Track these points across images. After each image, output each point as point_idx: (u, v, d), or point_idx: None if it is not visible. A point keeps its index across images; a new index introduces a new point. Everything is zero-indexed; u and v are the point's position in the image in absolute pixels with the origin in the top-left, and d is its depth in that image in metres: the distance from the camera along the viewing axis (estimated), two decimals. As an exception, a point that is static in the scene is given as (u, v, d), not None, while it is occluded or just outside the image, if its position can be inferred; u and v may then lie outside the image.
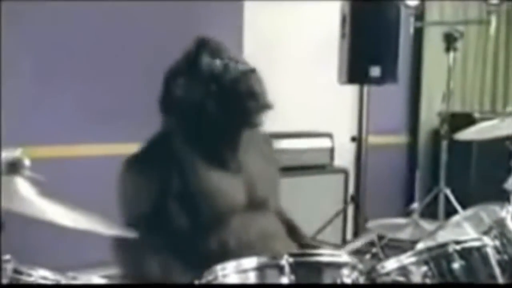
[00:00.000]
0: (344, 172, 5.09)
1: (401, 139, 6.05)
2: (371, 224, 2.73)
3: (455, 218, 2.27)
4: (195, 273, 1.55)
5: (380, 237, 4.18)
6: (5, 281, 1.54)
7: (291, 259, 1.43)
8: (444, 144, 5.11)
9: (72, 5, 4.19)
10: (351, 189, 4.99)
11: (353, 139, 4.86)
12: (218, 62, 2.18)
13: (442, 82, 5.32)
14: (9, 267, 1.37)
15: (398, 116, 6.03)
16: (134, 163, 2.05)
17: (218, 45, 2.25)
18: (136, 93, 4.03)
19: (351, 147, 5.00)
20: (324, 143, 5.15)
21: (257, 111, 2.15)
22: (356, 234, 4.76)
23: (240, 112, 2.12)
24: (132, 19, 4.48)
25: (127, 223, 1.90)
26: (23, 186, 1.41)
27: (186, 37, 4.28)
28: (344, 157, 5.15)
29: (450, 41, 5.09)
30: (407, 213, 2.58)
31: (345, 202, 4.93)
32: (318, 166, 5.12)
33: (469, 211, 2.28)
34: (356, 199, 4.76)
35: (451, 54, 5.12)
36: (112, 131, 4.02)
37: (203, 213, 1.98)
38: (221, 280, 1.44)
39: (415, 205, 2.51)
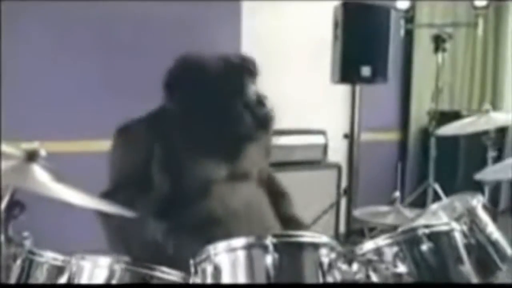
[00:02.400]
0: (337, 167, 5.25)
1: (393, 136, 6.21)
2: (358, 211, 2.93)
3: (432, 207, 2.48)
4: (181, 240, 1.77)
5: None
6: (19, 260, 1.73)
7: (274, 240, 1.61)
8: (433, 141, 5.31)
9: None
10: (344, 184, 5.13)
11: (346, 136, 4.99)
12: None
13: (431, 82, 5.50)
14: (27, 243, 1.56)
15: (390, 114, 6.19)
16: (124, 131, 2.28)
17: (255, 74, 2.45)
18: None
19: (344, 143, 5.11)
20: (318, 139, 5.32)
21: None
22: (348, 225, 4.95)
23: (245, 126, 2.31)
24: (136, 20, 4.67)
25: (114, 185, 2.13)
26: (39, 172, 1.63)
27: (187, 38, 4.52)
28: (337, 153, 5.30)
29: (438, 42, 5.29)
30: (390, 202, 2.77)
31: (338, 195, 5.09)
32: (312, 162, 5.29)
33: (446, 201, 2.49)
34: (348, 193, 4.92)
35: (440, 54, 5.31)
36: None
37: (186, 181, 2.20)
38: (213, 259, 1.65)
39: (397, 194, 2.70)
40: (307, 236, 1.69)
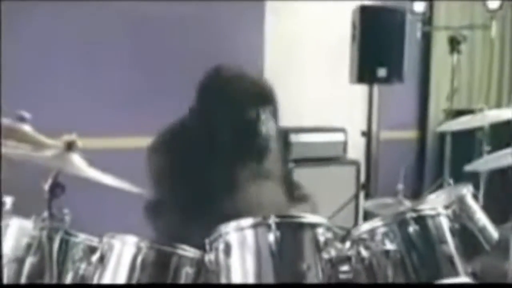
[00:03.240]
0: (356, 164, 5.45)
1: (411, 134, 6.40)
2: (367, 203, 3.17)
3: (430, 196, 2.72)
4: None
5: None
6: (59, 234, 1.98)
7: (277, 219, 1.86)
8: (449, 138, 5.50)
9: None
10: (362, 180, 5.33)
11: (363, 134, 5.20)
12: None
13: (449, 82, 5.69)
14: (67, 219, 1.82)
15: (409, 113, 6.38)
16: (164, 140, 2.55)
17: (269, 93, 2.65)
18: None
19: (363, 141, 5.32)
20: (338, 137, 5.52)
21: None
22: (365, 218, 5.16)
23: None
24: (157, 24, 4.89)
25: (155, 191, 2.40)
26: (77, 159, 1.89)
27: (210, 42, 4.75)
28: (356, 150, 5.52)
29: (454, 44, 5.46)
30: (393, 194, 2.99)
31: (357, 190, 5.29)
32: (332, 158, 5.49)
33: (443, 191, 2.72)
34: (366, 187, 5.14)
35: (455, 56, 5.50)
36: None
37: (215, 183, 2.44)
38: (224, 237, 1.90)
39: (400, 186, 2.92)
40: (306, 217, 1.94)
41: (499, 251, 2.51)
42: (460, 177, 5.45)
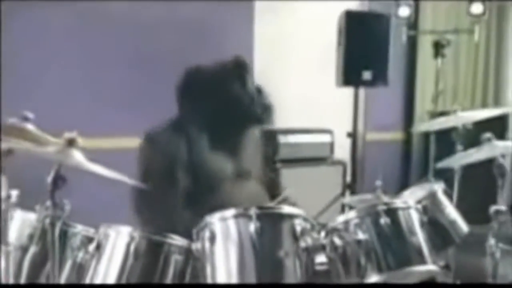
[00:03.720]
0: (342, 164, 5.59)
1: (397, 135, 6.59)
2: (347, 199, 3.35)
3: (406, 192, 2.89)
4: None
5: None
6: (59, 222, 2.14)
7: (257, 211, 2.05)
8: (433, 139, 5.69)
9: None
10: (349, 180, 5.48)
11: (349, 135, 5.36)
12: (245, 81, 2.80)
13: (434, 84, 5.88)
14: (67, 208, 1.98)
15: (395, 114, 6.58)
16: (150, 139, 2.75)
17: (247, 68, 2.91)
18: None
19: (349, 142, 5.47)
20: (325, 138, 5.67)
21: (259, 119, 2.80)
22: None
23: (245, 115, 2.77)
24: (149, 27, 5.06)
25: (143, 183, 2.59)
26: (77, 154, 2.06)
27: (202, 42, 4.89)
28: (343, 150, 5.69)
29: (438, 48, 5.65)
30: (372, 189, 3.16)
31: (343, 189, 5.45)
32: (319, 159, 5.63)
33: (418, 187, 2.90)
34: (352, 187, 5.31)
35: (439, 59, 5.69)
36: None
37: (204, 178, 2.63)
38: (209, 226, 2.09)
39: (378, 183, 3.09)
40: (284, 209, 2.13)
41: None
42: (442, 176, 5.70)
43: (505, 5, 6.95)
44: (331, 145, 5.70)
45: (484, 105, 7.10)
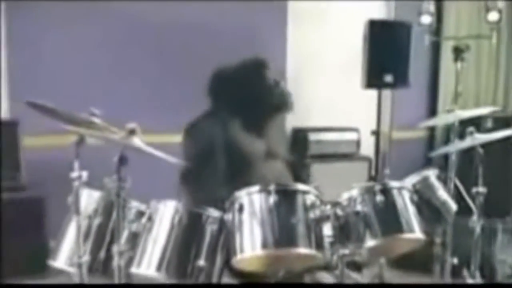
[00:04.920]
0: (368, 160, 6.10)
1: (421, 133, 7.02)
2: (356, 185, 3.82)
3: (407, 179, 3.37)
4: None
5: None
6: (121, 198, 2.69)
7: (275, 187, 2.57)
8: (453, 138, 6.11)
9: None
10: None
11: (373, 133, 5.81)
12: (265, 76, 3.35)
13: (460, 86, 6.30)
14: (128, 182, 2.52)
15: (419, 114, 6.98)
16: (193, 126, 3.31)
17: (266, 65, 3.43)
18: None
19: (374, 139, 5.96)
20: (352, 136, 6.22)
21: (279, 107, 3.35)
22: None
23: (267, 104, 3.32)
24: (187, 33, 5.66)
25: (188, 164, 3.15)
26: (136, 140, 2.57)
27: (238, 46, 5.43)
28: (369, 147, 6.16)
29: (457, 52, 6.07)
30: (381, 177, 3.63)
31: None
32: (346, 155, 6.18)
33: (417, 174, 3.36)
34: (375, 180, 5.78)
35: (459, 63, 6.10)
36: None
37: (237, 159, 3.17)
38: (238, 200, 2.61)
39: (387, 171, 3.57)
40: (297, 186, 2.65)
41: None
42: (461, 170, 6.12)
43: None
44: (358, 143, 6.20)
45: (506, 105, 7.52)
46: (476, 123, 4.79)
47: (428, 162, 6.98)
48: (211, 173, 3.11)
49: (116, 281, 2.54)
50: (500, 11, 6.03)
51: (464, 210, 3.31)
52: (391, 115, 6.62)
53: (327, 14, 6.41)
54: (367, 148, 6.16)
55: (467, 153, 6.00)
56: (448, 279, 3.44)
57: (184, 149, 3.25)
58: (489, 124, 6.61)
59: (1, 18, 5.07)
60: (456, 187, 3.71)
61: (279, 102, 3.37)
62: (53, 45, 5.25)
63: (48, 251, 4.46)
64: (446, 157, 6.38)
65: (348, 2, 6.48)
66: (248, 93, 3.29)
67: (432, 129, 7.00)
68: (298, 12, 6.24)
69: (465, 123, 5.04)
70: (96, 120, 2.53)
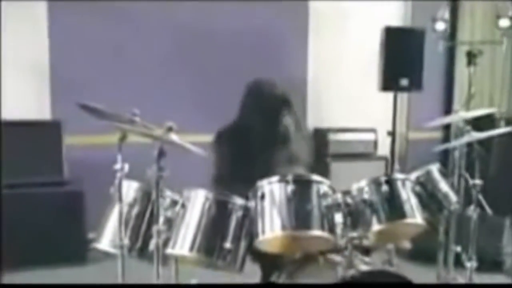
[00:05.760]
0: (385, 159, 6.46)
1: (437, 134, 7.35)
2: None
3: (413, 173, 3.72)
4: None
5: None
6: (160, 186, 3.07)
7: (293, 177, 2.93)
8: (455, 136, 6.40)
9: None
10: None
11: (389, 133, 6.14)
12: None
13: (472, 89, 6.63)
14: (165, 175, 2.90)
15: (435, 116, 7.32)
16: (223, 133, 3.69)
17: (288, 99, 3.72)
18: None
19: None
20: (370, 136, 6.62)
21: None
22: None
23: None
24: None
25: (219, 169, 3.53)
26: (174, 136, 2.94)
27: (263, 57, 5.83)
28: (386, 148, 6.50)
29: (470, 57, 6.40)
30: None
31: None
32: (365, 154, 6.57)
33: (422, 168, 3.71)
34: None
35: (472, 67, 6.42)
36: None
37: (261, 163, 3.54)
38: (261, 189, 2.98)
39: (397, 167, 3.93)
40: (312, 176, 3.02)
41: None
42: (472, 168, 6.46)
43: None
44: (375, 143, 6.57)
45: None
46: (488, 123, 5.18)
47: (440, 160, 7.35)
48: (240, 175, 3.48)
49: (154, 260, 2.90)
50: (511, 18, 6.36)
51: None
52: (408, 117, 6.96)
53: (347, 20, 6.82)
54: (384, 148, 6.50)
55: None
56: (451, 266, 3.76)
57: (215, 154, 3.63)
58: (501, 124, 6.92)
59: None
60: (465, 180, 4.01)
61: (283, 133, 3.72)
62: (93, 47, 5.77)
63: (86, 241, 4.94)
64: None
65: (367, 8, 6.87)
66: (273, 110, 3.64)
67: (447, 130, 7.32)
68: (319, 18, 6.66)
69: (478, 123, 5.48)
70: (137, 119, 2.91)
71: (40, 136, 5.24)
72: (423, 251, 4.47)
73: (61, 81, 5.62)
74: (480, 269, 4.45)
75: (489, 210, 5.88)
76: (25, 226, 5.00)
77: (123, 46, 5.84)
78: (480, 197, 5.92)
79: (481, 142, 6.22)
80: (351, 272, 2.88)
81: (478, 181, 3.44)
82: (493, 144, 6.86)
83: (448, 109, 7.36)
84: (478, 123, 5.67)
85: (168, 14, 5.95)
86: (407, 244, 5.37)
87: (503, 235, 5.28)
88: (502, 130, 3.72)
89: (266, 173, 3.21)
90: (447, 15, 6.56)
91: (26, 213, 5.04)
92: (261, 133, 3.64)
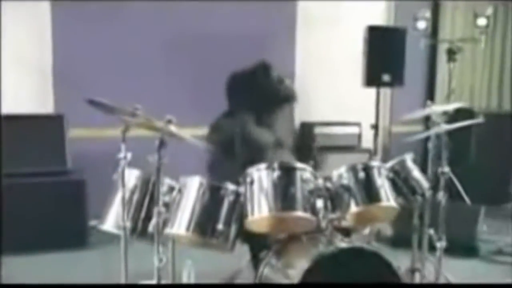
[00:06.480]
0: (369, 151, 6.82)
1: (419, 127, 7.67)
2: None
3: (390, 162, 4.06)
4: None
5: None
6: (161, 172, 3.41)
7: (278, 165, 3.26)
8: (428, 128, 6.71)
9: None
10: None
11: (372, 126, 6.48)
12: (270, 76, 4.07)
13: (452, 84, 6.97)
14: (166, 159, 3.23)
15: (417, 110, 7.66)
16: (216, 124, 4.04)
17: (270, 67, 4.13)
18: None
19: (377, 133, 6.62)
20: (354, 130, 6.97)
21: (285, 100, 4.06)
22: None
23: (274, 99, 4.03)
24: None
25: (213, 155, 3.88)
26: (173, 127, 3.22)
27: (254, 54, 6.13)
28: (369, 140, 6.84)
29: (450, 54, 6.74)
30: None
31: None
32: (349, 147, 6.92)
33: (398, 158, 4.05)
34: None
35: (452, 64, 6.77)
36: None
37: (252, 148, 3.88)
38: (250, 175, 3.31)
39: (377, 157, 4.27)
40: (296, 163, 3.36)
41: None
42: (451, 159, 6.79)
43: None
44: (359, 136, 6.93)
45: (499, 102, 8.21)
46: (468, 117, 5.50)
47: (422, 151, 7.70)
48: (231, 161, 3.82)
49: (154, 240, 3.22)
50: (488, 17, 6.71)
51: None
52: (391, 111, 7.30)
53: (334, 19, 7.14)
54: (368, 141, 6.88)
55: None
56: (425, 248, 4.11)
57: (209, 143, 3.97)
58: (480, 118, 7.26)
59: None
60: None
61: (284, 95, 4.08)
62: (95, 45, 6.12)
63: (87, 228, 5.28)
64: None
65: (353, 8, 7.22)
66: (257, 92, 4.00)
67: (427, 123, 7.65)
68: (306, 17, 7.02)
69: (457, 117, 5.74)
70: (140, 112, 3.22)
71: (44, 129, 5.58)
72: (402, 237, 4.79)
73: (63, 77, 5.95)
74: (456, 253, 4.89)
75: (466, 199, 6.29)
76: (28, 213, 5.33)
77: (124, 44, 6.19)
78: (459, 187, 6.34)
79: (456, 134, 6.71)
80: (331, 248, 3.19)
81: (446, 169, 3.78)
82: (471, 136, 7.24)
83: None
84: (457, 117, 6.14)
85: (163, 14, 6.31)
86: (388, 231, 5.74)
87: (478, 222, 5.62)
88: (466, 122, 4.00)
89: (255, 157, 3.65)
90: (428, 14, 6.92)
91: (30, 201, 5.37)
92: (251, 118, 4.02)
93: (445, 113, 5.47)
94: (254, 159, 3.59)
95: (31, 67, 6.02)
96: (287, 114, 4.23)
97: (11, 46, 5.88)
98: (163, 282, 3.20)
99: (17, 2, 5.86)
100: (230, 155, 3.93)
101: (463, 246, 5.46)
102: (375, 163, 3.57)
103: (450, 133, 6.52)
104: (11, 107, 5.72)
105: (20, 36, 5.94)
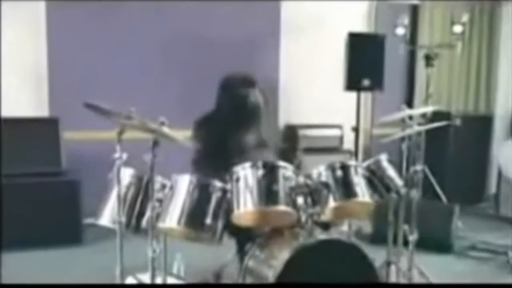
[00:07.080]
0: (350, 153, 7.07)
1: (398, 130, 7.92)
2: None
3: (366, 162, 4.34)
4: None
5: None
6: (154, 170, 3.67)
7: (262, 163, 3.51)
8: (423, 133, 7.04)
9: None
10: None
11: (353, 129, 6.75)
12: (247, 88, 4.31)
13: (430, 89, 7.25)
14: (160, 158, 3.50)
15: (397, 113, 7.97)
16: (198, 123, 4.31)
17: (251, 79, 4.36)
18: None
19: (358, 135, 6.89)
20: (336, 132, 7.24)
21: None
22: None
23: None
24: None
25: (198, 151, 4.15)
26: (166, 129, 3.45)
27: (240, 60, 6.41)
28: (351, 142, 7.09)
29: (428, 59, 7.01)
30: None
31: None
32: (331, 148, 7.17)
33: (374, 158, 4.33)
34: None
35: (429, 69, 7.04)
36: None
37: (235, 147, 4.14)
38: (236, 173, 3.55)
39: (358, 159, 4.54)
40: (279, 162, 3.63)
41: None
42: (429, 160, 7.10)
43: (496, 16, 8.42)
44: (341, 138, 7.20)
45: (476, 106, 8.52)
46: (445, 120, 5.78)
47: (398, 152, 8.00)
48: (215, 158, 4.08)
49: (148, 233, 3.46)
50: (463, 24, 7.02)
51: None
52: (372, 114, 7.59)
53: (316, 25, 7.41)
54: (349, 142, 7.13)
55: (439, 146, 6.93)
56: (400, 243, 4.40)
57: (194, 139, 4.23)
58: (457, 122, 7.58)
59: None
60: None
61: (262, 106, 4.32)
62: (90, 47, 6.35)
63: (81, 226, 5.54)
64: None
65: (335, 14, 7.50)
66: (241, 97, 4.24)
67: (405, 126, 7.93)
68: (290, 23, 7.25)
69: (435, 119, 5.97)
70: (134, 115, 3.47)
71: (39, 132, 5.83)
72: (381, 234, 5.04)
73: (58, 80, 6.20)
74: (432, 249, 5.19)
75: (443, 198, 6.59)
76: (25, 212, 5.59)
77: (118, 46, 6.47)
78: (437, 186, 6.63)
79: (435, 136, 6.99)
80: (311, 240, 3.47)
81: (419, 167, 4.08)
82: (449, 138, 7.54)
83: (409, 108, 7.93)
84: (435, 120, 6.36)
85: (158, 17, 6.61)
86: (368, 229, 6.03)
87: (453, 220, 5.92)
88: (435, 124, 4.31)
89: (239, 156, 3.87)
90: (407, 21, 7.21)
91: (26, 200, 5.63)
92: (231, 117, 4.25)
93: (423, 115, 5.82)
94: (236, 158, 3.85)
95: (26, 69, 6.28)
96: (269, 118, 4.46)
97: (6, 49, 6.14)
98: (155, 273, 3.42)
99: (11, 4, 6.08)
100: (214, 153, 4.17)
101: (438, 242, 5.78)
102: (352, 162, 3.85)
103: (429, 135, 6.92)
104: (7, 110, 5.96)
105: (14, 38, 6.17)
